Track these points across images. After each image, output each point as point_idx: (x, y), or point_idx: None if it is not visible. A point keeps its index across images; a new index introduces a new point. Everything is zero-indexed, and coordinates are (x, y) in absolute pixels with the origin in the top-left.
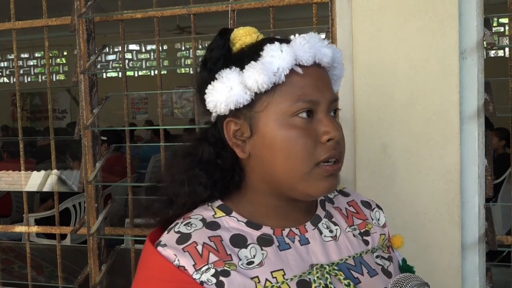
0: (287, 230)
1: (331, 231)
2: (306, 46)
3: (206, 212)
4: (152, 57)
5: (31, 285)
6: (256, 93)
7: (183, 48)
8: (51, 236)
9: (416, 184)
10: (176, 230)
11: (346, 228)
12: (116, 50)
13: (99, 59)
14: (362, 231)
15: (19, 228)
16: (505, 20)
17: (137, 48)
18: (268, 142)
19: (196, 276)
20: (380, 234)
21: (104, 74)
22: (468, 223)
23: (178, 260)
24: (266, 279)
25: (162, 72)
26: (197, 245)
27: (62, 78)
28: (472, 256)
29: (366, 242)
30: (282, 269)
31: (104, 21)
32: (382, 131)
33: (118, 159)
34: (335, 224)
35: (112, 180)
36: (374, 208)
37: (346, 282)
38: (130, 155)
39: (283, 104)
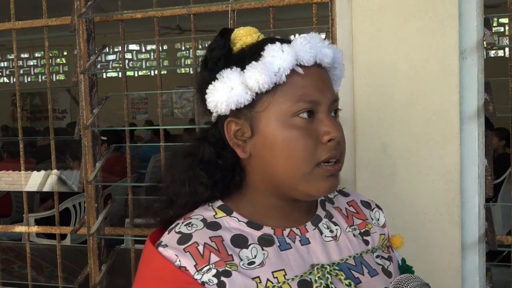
0: (287, 230)
1: (331, 231)
2: (307, 46)
3: (206, 212)
4: (152, 57)
5: (31, 285)
6: (257, 93)
7: (183, 48)
8: (51, 236)
9: (416, 184)
10: (177, 230)
11: (346, 228)
12: (116, 50)
13: (99, 59)
14: (362, 231)
15: (19, 228)
16: (505, 20)
17: (137, 48)
18: (269, 142)
19: (197, 276)
20: (380, 234)
21: (104, 74)
22: (468, 223)
23: (180, 260)
24: (267, 279)
25: (162, 72)
26: (198, 245)
27: (62, 78)
28: (472, 256)
29: (366, 242)
30: (283, 269)
31: (104, 21)
32: (382, 131)
33: (118, 159)
34: (336, 224)
35: (112, 180)
36: (373, 208)
37: (347, 282)
38: (130, 155)
39: (284, 104)
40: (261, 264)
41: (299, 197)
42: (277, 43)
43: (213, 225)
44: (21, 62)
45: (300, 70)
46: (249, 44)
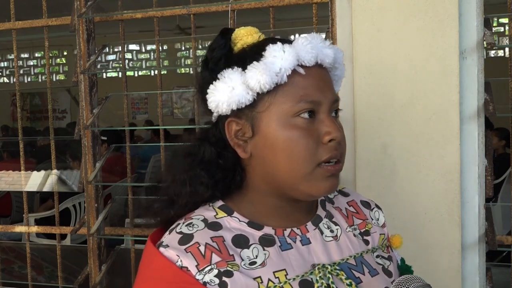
0: (288, 230)
1: (332, 231)
2: (308, 47)
3: (207, 212)
4: (152, 57)
5: (31, 285)
6: (258, 93)
7: (183, 48)
8: (51, 236)
9: (416, 184)
10: (178, 230)
11: (346, 228)
12: (116, 50)
13: (99, 59)
14: (362, 231)
15: (19, 228)
16: (505, 20)
17: (137, 48)
18: (270, 142)
19: (199, 276)
20: (380, 234)
21: (104, 74)
22: (468, 223)
23: (181, 260)
24: (269, 279)
25: (162, 72)
26: (200, 245)
27: (62, 78)
28: (472, 256)
29: (367, 242)
30: (285, 269)
31: (104, 21)
32: (382, 131)
33: (118, 159)
34: (336, 224)
35: (112, 180)
36: (373, 208)
37: (347, 281)
38: (130, 155)
39: (285, 104)
40: (263, 264)
41: (300, 197)
42: (279, 43)
43: (214, 225)
44: (21, 62)
45: (301, 71)
46: (250, 44)
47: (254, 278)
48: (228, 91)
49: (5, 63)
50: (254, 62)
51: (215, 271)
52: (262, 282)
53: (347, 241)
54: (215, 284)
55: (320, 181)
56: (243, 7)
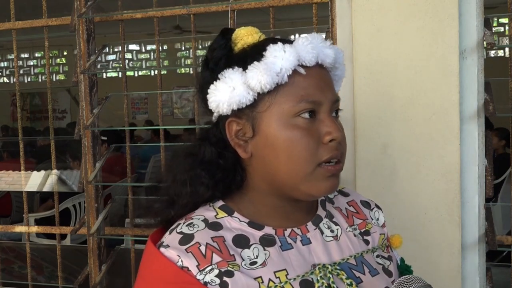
0: (288, 230)
1: (332, 231)
2: (309, 47)
3: (208, 212)
4: (152, 57)
5: (31, 285)
6: (258, 93)
7: (183, 48)
8: (51, 236)
9: (416, 184)
10: (178, 230)
11: (346, 228)
12: (116, 50)
13: (99, 59)
14: (362, 230)
15: (19, 228)
16: (505, 20)
17: (137, 48)
18: (270, 142)
19: (199, 276)
20: (380, 234)
21: (104, 74)
22: (468, 223)
23: (182, 261)
24: (270, 279)
25: (162, 72)
26: (200, 245)
27: (62, 78)
28: (472, 256)
29: (367, 242)
30: (285, 269)
31: (104, 21)
32: (382, 131)
33: (118, 159)
34: (336, 224)
35: (112, 180)
36: (373, 208)
37: (348, 281)
38: (130, 155)
39: (285, 104)
40: (263, 264)
41: (300, 197)
42: (279, 43)
43: (215, 225)
44: (21, 62)
45: (302, 71)
46: (251, 44)
47: (255, 278)
48: (228, 91)
49: (5, 63)
50: (255, 62)
51: (216, 271)
52: (262, 282)
53: (347, 241)
54: (216, 284)
55: (321, 181)
56: (243, 7)
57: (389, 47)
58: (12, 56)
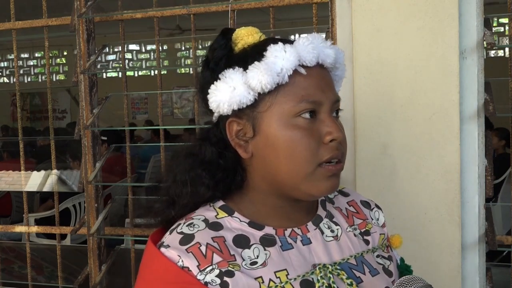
0: (289, 230)
1: (332, 231)
2: (309, 47)
3: (208, 212)
4: (152, 57)
5: (31, 285)
6: (259, 93)
7: (183, 48)
8: (51, 236)
9: (416, 184)
10: (178, 231)
11: (347, 228)
12: (116, 50)
13: (99, 59)
14: (362, 230)
15: (19, 228)
16: (505, 20)
17: (137, 48)
18: (271, 142)
19: (200, 277)
20: (380, 234)
21: (104, 74)
22: (468, 223)
23: (182, 261)
24: (270, 279)
25: (162, 72)
26: (201, 245)
27: (62, 78)
28: (472, 256)
29: (367, 242)
30: (286, 269)
31: (104, 21)
32: (382, 131)
33: (118, 159)
34: (336, 224)
35: (112, 180)
36: (373, 208)
37: (348, 281)
38: (130, 155)
39: (286, 104)
40: (264, 264)
41: (301, 197)
42: (280, 44)
43: (215, 226)
44: (21, 62)
45: (302, 71)
46: (251, 44)
47: (255, 278)
48: (229, 91)
49: (5, 63)
50: (256, 62)
51: (216, 271)
52: (263, 282)
53: (347, 241)
54: (216, 284)
55: (321, 181)
56: (243, 7)
57: (389, 47)
58: (12, 56)
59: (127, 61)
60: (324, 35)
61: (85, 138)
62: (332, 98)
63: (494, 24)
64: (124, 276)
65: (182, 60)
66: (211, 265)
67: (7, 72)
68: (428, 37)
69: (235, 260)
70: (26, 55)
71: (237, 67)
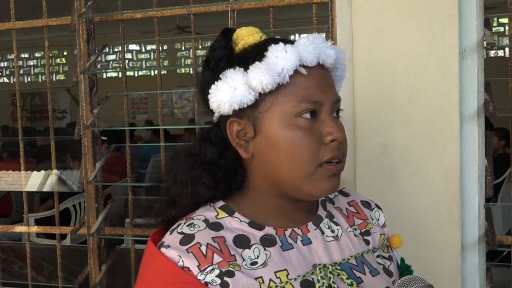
0: (289, 230)
1: (332, 231)
2: (310, 47)
3: (208, 212)
4: (152, 57)
5: (31, 285)
6: (260, 94)
7: (183, 48)
8: (51, 236)
9: (416, 184)
10: (179, 231)
11: (347, 228)
12: (116, 50)
13: (99, 59)
14: (362, 230)
15: (19, 228)
16: (505, 20)
17: (137, 48)
18: (272, 142)
19: (200, 277)
20: (380, 234)
21: (104, 74)
22: (468, 223)
23: (183, 261)
24: (270, 279)
25: (162, 72)
26: (201, 245)
27: (62, 78)
28: (472, 256)
29: (367, 242)
30: (286, 269)
31: (104, 21)
32: (382, 131)
33: (118, 159)
34: (337, 224)
35: (112, 180)
36: (373, 208)
37: (349, 281)
38: (130, 155)
39: (287, 104)
40: (264, 264)
41: (301, 197)
42: (281, 44)
43: (215, 226)
44: (21, 62)
45: (303, 71)
46: (252, 44)
47: (256, 278)
48: (230, 91)
49: (5, 63)
50: (256, 62)
51: (217, 271)
52: (263, 282)
53: (348, 241)
54: (216, 284)
55: (322, 181)
56: (243, 7)
57: (389, 47)
58: (12, 56)
59: (127, 61)
60: (324, 35)
61: (85, 138)
62: (333, 98)
63: (494, 24)
64: (124, 276)
65: (182, 60)
66: (212, 265)
67: (7, 72)
68: (428, 37)
69: (236, 260)
70: (26, 55)
71: (237, 67)
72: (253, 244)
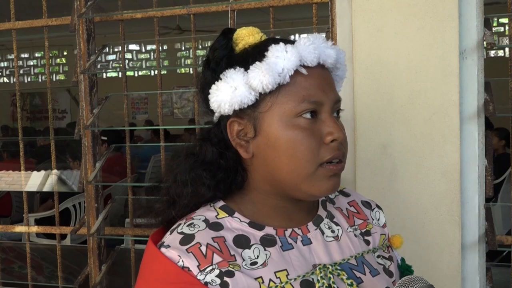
0: (289, 230)
1: (332, 231)
2: (310, 47)
3: (208, 212)
4: (152, 57)
5: (31, 285)
6: (260, 94)
7: (183, 48)
8: (51, 236)
9: (416, 184)
10: (179, 231)
11: (347, 228)
12: (116, 50)
13: (99, 59)
14: (363, 231)
15: (19, 228)
16: (505, 20)
17: (137, 48)
18: (272, 142)
19: (200, 277)
20: (381, 234)
21: (104, 74)
22: (468, 223)
23: (182, 261)
24: (270, 280)
25: (162, 72)
26: (201, 246)
27: (62, 78)
28: (472, 256)
29: (367, 242)
30: (286, 269)
31: (104, 21)
32: (382, 131)
33: (118, 159)
34: (337, 224)
35: (112, 180)
36: (374, 208)
37: (349, 282)
38: (130, 155)
39: (287, 104)
40: (264, 264)
41: (301, 197)
42: (281, 44)
43: (215, 226)
44: (21, 62)
45: (303, 71)
46: (252, 44)
47: (256, 278)
48: (230, 91)
49: (5, 63)
50: (257, 62)
51: (217, 271)
52: (263, 282)
53: (348, 241)
54: (216, 284)
55: (322, 181)
56: (243, 7)
57: (389, 47)
58: (12, 56)
59: (127, 61)
60: (324, 35)
61: (85, 138)
62: (333, 98)
63: (494, 24)
64: (124, 276)
65: (182, 60)
66: (211, 265)
67: (7, 72)
68: (428, 37)
69: (235, 260)
70: (26, 55)
71: (238, 67)
72: (253, 244)
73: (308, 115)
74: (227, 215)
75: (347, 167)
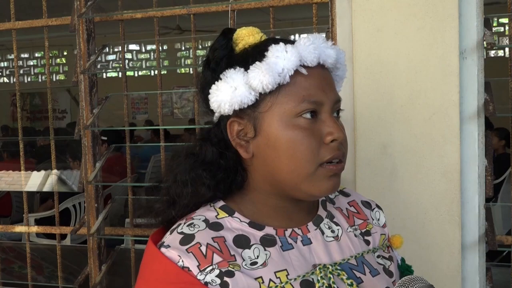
0: (289, 230)
1: (332, 231)
2: (310, 47)
3: (208, 212)
4: (152, 57)
5: (31, 285)
6: (260, 94)
7: (183, 48)
8: (51, 236)
9: (416, 184)
10: (179, 231)
11: (347, 228)
12: (116, 50)
13: (99, 59)
14: (363, 231)
15: (19, 228)
16: (505, 20)
17: (137, 48)
18: (272, 142)
19: (200, 277)
20: (381, 234)
21: (104, 74)
22: (468, 223)
23: (182, 261)
24: (270, 280)
25: (162, 72)
26: (201, 245)
27: (62, 78)
28: (472, 256)
29: (367, 242)
30: (286, 269)
31: (104, 21)
32: (382, 131)
33: (118, 159)
34: (337, 224)
35: (112, 180)
36: (374, 208)
37: (349, 282)
38: (130, 155)
39: (287, 104)
40: (264, 264)
41: (301, 197)
42: (281, 44)
43: (215, 226)
44: (21, 62)
45: (303, 71)
46: (252, 44)
47: (256, 278)
48: (230, 91)
49: (5, 63)
50: (257, 62)
51: (217, 271)
52: (263, 282)
53: (348, 241)
54: (216, 284)
55: (322, 181)
56: (243, 7)
57: (389, 47)
58: (12, 56)
59: (127, 61)
60: (324, 35)
61: (85, 138)
62: (333, 98)
63: (494, 24)
64: (124, 276)
65: (182, 60)
66: (211, 265)
67: (7, 72)
68: (428, 37)
69: (235, 260)
70: (26, 55)
71: (238, 67)
72: (253, 244)
73: (308, 115)
74: (227, 215)
75: (347, 167)
